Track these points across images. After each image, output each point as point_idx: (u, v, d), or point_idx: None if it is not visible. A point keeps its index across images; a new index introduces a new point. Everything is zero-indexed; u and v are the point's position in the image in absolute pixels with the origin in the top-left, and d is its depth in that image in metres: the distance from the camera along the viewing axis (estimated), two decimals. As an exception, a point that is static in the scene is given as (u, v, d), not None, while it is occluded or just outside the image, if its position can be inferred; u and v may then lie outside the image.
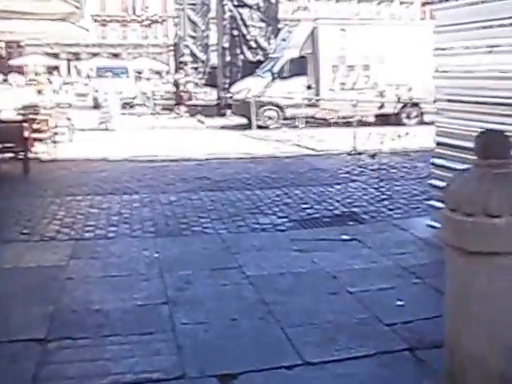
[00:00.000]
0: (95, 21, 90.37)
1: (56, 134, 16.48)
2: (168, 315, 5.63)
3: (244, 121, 26.32)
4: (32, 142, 14.37)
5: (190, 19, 44.75)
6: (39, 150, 15.98)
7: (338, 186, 12.27)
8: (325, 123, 24.31)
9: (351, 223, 9.37)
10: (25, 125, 13.56)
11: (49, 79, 42.25)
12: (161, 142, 20.28)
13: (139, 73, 56.87)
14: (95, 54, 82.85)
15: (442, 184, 8.32)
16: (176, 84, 33.84)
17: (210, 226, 9.14)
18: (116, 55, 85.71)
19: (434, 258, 7.29)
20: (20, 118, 15.33)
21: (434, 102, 9.01)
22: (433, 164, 8.76)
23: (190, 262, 7.24)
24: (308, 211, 10.18)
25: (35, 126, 15.23)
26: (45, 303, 5.93)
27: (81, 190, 11.74)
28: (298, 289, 6.37)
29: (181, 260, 7.32)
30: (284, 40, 26.69)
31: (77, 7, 12.93)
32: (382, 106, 17.37)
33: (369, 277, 6.71)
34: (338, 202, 10.88)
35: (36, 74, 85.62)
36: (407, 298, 6.06)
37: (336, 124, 23.84)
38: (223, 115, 29.97)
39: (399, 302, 5.92)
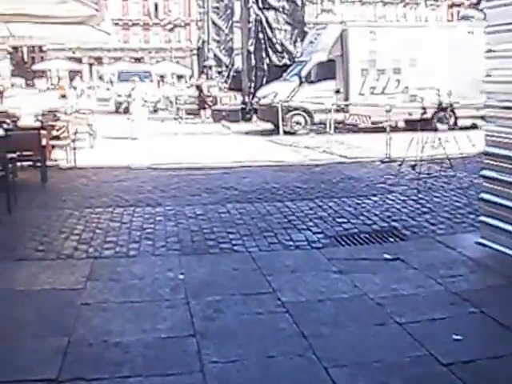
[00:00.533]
0: (117, 25, 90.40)
1: (76, 140, 15.95)
2: (195, 351, 5.04)
3: (270, 126, 25.78)
4: (50, 150, 13.81)
5: (213, 23, 44.46)
6: (59, 157, 15.52)
7: (374, 198, 11.59)
8: (354, 129, 23.65)
9: (392, 240, 8.72)
10: (43, 132, 12.96)
11: (73, 86, 42.00)
12: (185, 149, 19.77)
13: (162, 77, 56.60)
14: (117, 59, 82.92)
15: (494, 198, 7.70)
16: (199, 88, 33.22)
17: (239, 243, 8.50)
18: (138, 59, 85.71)
19: (490, 283, 6.65)
20: (38, 124, 14.78)
21: (484, 108, 8.30)
22: (483, 176, 8.08)
23: (218, 285, 6.65)
24: (345, 226, 9.54)
25: (54, 133, 14.72)
26: (58, 334, 5.40)
27: (101, 202, 11.16)
28: (341, 319, 5.76)
29: (208, 283, 6.73)
30: (311, 43, 26.01)
31: (96, 10, 12.40)
32: (424, 112, 16.71)
33: (418, 304, 6.08)
34: (375, 215, 10.22)
35: (59, 78, 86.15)
36: (464, 330, 5.42)
37: (366, 130, 23.22)
38: (249, 120, 29.35)
39: (456, 336, 5.27)
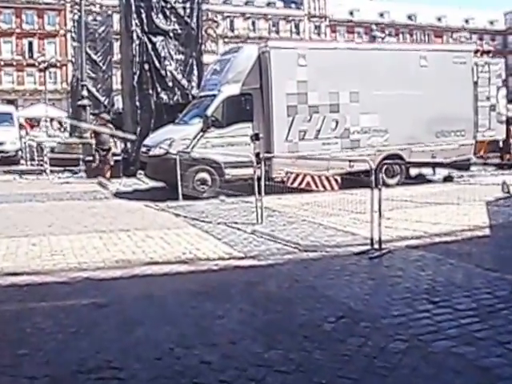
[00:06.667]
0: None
1: None
2: None
3: (159, 183, 18.17)
4: None
5: (89, 58, 36.09)
6: None
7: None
8: (283, 188, 15.69)
9: None
10: None
11: None
12: (32, 226, 11.94)
13: (30, 120, 47.96)
14: (-11, 101, 73.13)
15: None
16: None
17: None
18: (12, 102, 75.81)
19: None
20: None
21: None
22: None
23: None
24: None
25: None
26: None
27: None
28: None
29: None
30: (217, 72, 18.23)
31: None
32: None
33: None
34: None
35: None
36: None
37: (292, 189, 15.44)
38: (133, 175, 21.27)
39: None
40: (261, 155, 15.36)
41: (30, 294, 7.50)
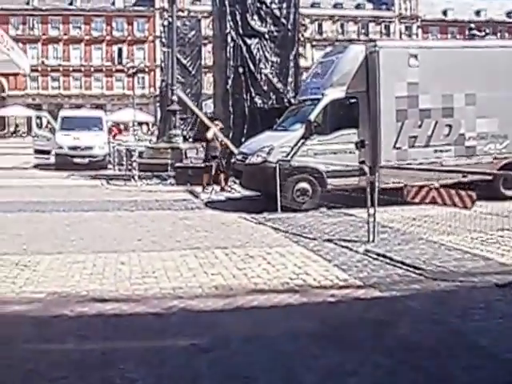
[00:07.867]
0: (79, 71, 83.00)
1: None
2: None
3: (252, 192, 17.02)
4: None
5: (178, 62, 35.24)
6: None
7: None
8: (387, 200, 13.83)
9: None
10: None
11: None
12: (118, 243, 10.93)
13: (118, 124, 47.66)
14: (79, 106, 74.60)
15: None
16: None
17: None
18: (100, 106, 76.85)
19: None
20: None
21: None
22: None
23: None
24: None
25: None
26: None
27: None
28: None
29: None
30: (318, 75, 16.85)
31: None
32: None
33: None
34: None
35: (16, 125, 77.56)
36: None
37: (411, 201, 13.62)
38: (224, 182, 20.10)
39: None
40: (366, 163, 14.03)
41: (118, 329, 6.39)
